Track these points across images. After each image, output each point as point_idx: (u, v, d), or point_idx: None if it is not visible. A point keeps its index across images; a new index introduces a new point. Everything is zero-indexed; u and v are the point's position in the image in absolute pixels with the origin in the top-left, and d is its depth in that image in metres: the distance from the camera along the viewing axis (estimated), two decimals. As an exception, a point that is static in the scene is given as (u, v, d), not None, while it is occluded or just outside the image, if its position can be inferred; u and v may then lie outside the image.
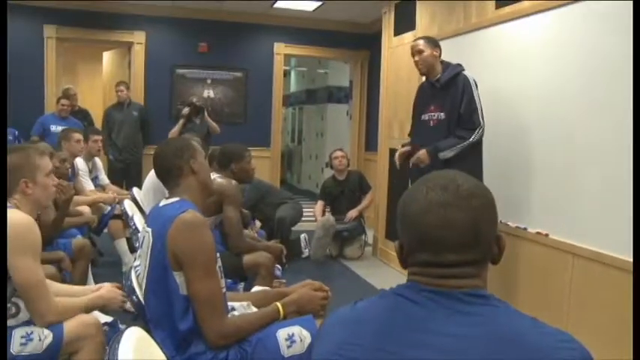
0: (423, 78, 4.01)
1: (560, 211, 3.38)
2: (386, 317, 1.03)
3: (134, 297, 2.01)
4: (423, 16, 5.11)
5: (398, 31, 5.64)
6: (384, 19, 5.90)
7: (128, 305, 2.22)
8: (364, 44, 7.99)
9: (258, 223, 5.18)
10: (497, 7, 4.01)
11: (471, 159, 3.59)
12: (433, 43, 3.77)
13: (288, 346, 1.89)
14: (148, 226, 1.99)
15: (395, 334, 1.00)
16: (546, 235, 3.47)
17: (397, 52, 5.65)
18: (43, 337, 1.95)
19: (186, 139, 2.16)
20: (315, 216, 5.79)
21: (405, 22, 5.46)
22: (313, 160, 10.72)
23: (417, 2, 5.16)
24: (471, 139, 3.55)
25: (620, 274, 2.91)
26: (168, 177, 2.06)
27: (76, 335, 1.97)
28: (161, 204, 2.02)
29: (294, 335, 1.91)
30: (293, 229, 5.69)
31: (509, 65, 3.85)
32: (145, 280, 1.94)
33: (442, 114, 3.70)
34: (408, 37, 5.40)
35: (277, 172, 8.22)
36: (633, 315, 2.13)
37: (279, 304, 2.04)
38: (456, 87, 3.62)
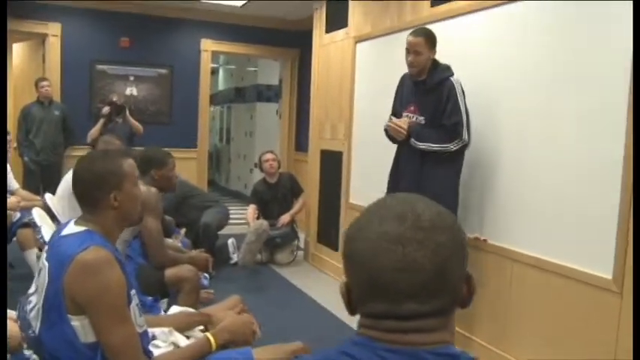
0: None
1: (498, 217, 3.29)
2: None
3: (30, 332, 1.71)
4: (355, 13, 4.95)
5: (330, 29, 5.45)
6: (316, 16, 5.71)
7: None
8: (294, 42, 7.78)
9: (182, 231, 4.87)
10: (433, 5, 3.90)
11: (447, 167, 3.27)
12: (432, 43, 3.30)
13: (218, 386, 1.66)
14: (45, 258, 1.69)
15: None
16: (484, 240, 3.37)
17: (329, 50, 5.47)
18: None
19: (116, 159, 1.76)
20: (247, 221, 5.53)
21: (337, 20, 5.29)
22: (242, 160, 10.44)
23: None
24: (450, 146, 3.20)
25: (560, 280, 2.84)
26: (83, 203, 1.74)
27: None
28: (64, 232, 1.70)
29: (229, 372, 1.68)
30: (220, 233, 5.42)
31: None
32: (39, 321, 1.66)
33: (422, 118, 3.34)
34: (340, 34, 5.24)
35: (204, 173, 7.90)
36: (633, 316, 2.03)
37: (209, 335, 1.79)
38: (441, 93, 3.24)
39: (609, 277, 2.60)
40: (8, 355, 2.17)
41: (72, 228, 1.70)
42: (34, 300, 1.72)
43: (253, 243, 5.08)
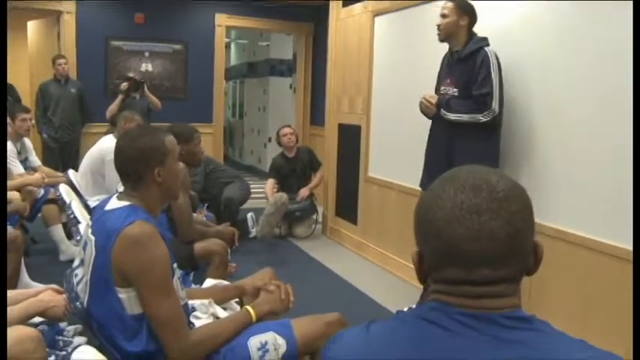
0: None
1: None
2: (415, 352, 0.84)
3: (78, 303, 1.77)
4: (373, -14, 4.92)
5: (347, 2, 5.42)
6: (332, -11, 5.67)
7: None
8: (309, 16, 7.73)
9: (204, 206, 4.93)
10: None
11: (480, 143, 3.20)
12: (463, 9, 3.25)
13: (261, 356, 1.71)
14: (91, 232, 1.73)
15: None
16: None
17: (346, 24, 5.44)
18: (-28, 354, 1.67)
19: (159, 136, 1.80)
20: (266, 194, 5.58)
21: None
22: (255, 134, 10.45)
23: (368, -28, 4.96)
24: (479, 117, 3.14)
25: (586, 253, 2.87)
26: (126, 179, 1.78)
27: (10, 352, 1.70)
28: (107, 206, 1.74)
29: (267, 344, 1.72)
30: (240, 208, 5.48)
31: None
32: (87, 293, 1.71)
33: (455, 90, 3.30)
34: (357, 8, 5.21)
35: (220, 148, 7.95)
36: (633, 311, 2.05)
37: (249, 308, 1.84)
38: (474, 63, 3.19)
39: (629, 247, 2.63)
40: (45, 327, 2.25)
41: (115, 203, 1.75)
42: (80, 273, 1.78)
43: (272, 215, 5.13)
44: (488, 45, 3.23)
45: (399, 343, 0.87)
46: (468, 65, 3.22)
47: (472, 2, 3.32)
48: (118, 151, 1.78)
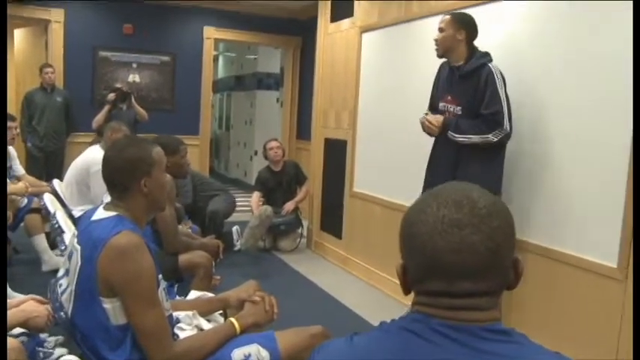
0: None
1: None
2: None
3: (62, 313, 1.76)
4: (361, 2, 4.97)
5: (335, 18, 5.48)
6: (321, 4, 5.72)
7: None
8: (297, 30, 7.80)
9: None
10: (441, -4, 3.93)
11: (485, 160, 3.08)
12: (460, 22, 3.13)
13: (244, 368, 1.72)
14: (77, 242, 1.74)
15: None
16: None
17: (334, 39, 5.50)
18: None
19: (146, 147, 1.82)
20: (251, 208, 5.59)
21: (342, 9, 5.31)
22: (242, 147, 10.47)
23: (356, -12, 5.03)
24: (490, 137, 3.00)
25: (569, 270, 2.92)
26: (113, 189, 1.79)
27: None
28: (94, 216, 1.75)
29: (251, 356, 1.73)
30: (225, 221, 5.47)
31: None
32: (71, 303, 1.71)
33: (459, 108, 3.16)
34: (345, 23, 5.26)
35: (206, 160, 7.94)
36: (633, 316, 2.09)
37: (233, 320, 1.85)
38: (478, 80, 3.05)
39: (614, 265, 2.67)
40: (25, 339, 2.23)
41: (102, 213, 1.75)
42: (65, 283, 1.78)
43: (256, 227, 5.14)
44: (491, 60, 3.12)
45: (381, 353, 0.89)
46: (472, 82, 3.09)
47: (471, 15, 3.23)
48: (106, 161, 1.79)
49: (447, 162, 3.19)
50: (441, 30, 3.16)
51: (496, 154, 3.11)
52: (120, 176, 1.76)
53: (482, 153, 3.07)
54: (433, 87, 3.43)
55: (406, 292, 0.96)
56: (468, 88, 3.11)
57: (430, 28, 3.92)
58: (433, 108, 3.35)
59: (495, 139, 3.01)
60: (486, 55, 3.14)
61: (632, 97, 2.56)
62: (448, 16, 3.18)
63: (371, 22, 4.82)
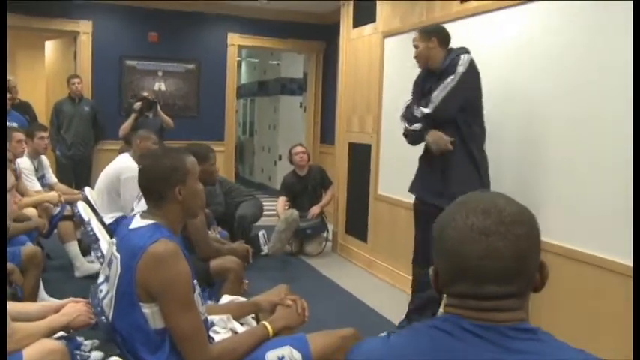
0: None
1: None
2: (428, 357, 0.94)
3: (103, 318, 1.84)
4: (384, 7, 5.02)
5: (357, 23, 5.53)
6: (343, 10, 5.78)
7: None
8: (320, 35, 7.86)
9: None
10: (463, 0, 3.95)
11: (466, 164, 3.26)
12: (428, 34, 3.37)
13: (278, 370, 1.77)
14: (116, 249, 1.82)
15: None
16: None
17: (356, 45, 5.55)
18: (0, 367, 1.74)
19: (180, 156, 1.90)
20: (277, 212, 5.66)
21: (365, 14, 5.36)
22: (266, 152, 10.55)
23: (378, -6, 5.07)
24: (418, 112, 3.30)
25: (593, 271, 2.93)
26: (149, 198, 1.88)
27: (39, 364, 1.78)
28: (132, 225, 1.83)
29: (284, 357, 1.79)
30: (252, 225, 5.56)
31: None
32: (112, 308, 1.79)
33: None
34: (368, 29, 5.31)
35: (231, 166, 8.04)
36: (633, 316, 2.10)
37: (266, 323, 1.91)
38: (449, 73, 3.24)
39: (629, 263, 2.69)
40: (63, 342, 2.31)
41: (139, 221, 1.83)
42: (105, 289, 1.85)
43: (283, 232, 5.21)
44: (466, 52, 3.29)
45: (415, 351, 0.96)
46: (445, 78, 3.25)
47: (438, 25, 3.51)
48: (142, 171, 1.87)
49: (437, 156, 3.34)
50: (415, 47, 3.40)
51: (471, 149, 3.27)
52: (156, 185, 1.84)
53: (461, 148, 3.24)
54: (412, 92, 3.56)
55: (439, 293, 1.02)
56: (445, 77, 3.25)
57: (452, 32, 3.96)
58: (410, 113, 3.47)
59: (418, 115, 3.31)
60: (461, 49, 3.32)
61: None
62: (417, 33, 3.45)
63: (393, 27, 4.86)
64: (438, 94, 3.22)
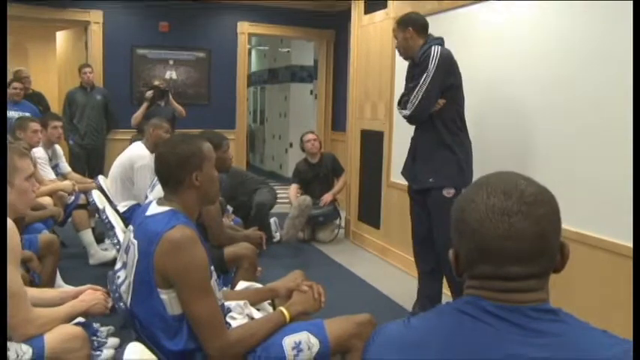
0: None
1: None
2: (450, 340, 0.93)
3: (122, 304, 1.85)
4: (395, -7, 4.98)
5: (369, 9, 5.49)
6: (354, -4, 5.75)
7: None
8: (330, 23, 7.83)
9: (229, 209, 5.02)
10: (475, -14, 3.92)
11: (442, 156, 3.36)
12: (403, 24, 3.34)
13: (295, 355, 1.78)
14: (133, 236, 1.83)
15: None
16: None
17: (368, 31, 5.52)
18: (22, 353, 1.75)
19: (196, 142, 1.90)
20: (290, 199, 5.67)
21: (376, 1, 5.32)
22: (277, 140, 10.56)
23: (389, -21, 5.03)
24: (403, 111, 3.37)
25: (605, 256, 2.91)
26: (166, 184, 1.88)
27: (59, 349, 1.79)
28: (148, 212, 1.84)
29: (301, 343, 1.79)
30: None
31: (484, 47, 3.77)
32: (130, 294, 1.80)
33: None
34: (379, 15, 5.27)
35: (243, 153, 8.06)
36: (633, 307, 2.09)
37: (283, 309, 1.92)
38: (426, 65, 3.22)
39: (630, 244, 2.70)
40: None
41: (155, 208, 1.84)
42: (123, 275, 1.87)
43: (297, 218, 5.23)
44: (439, 44, 3.28)
45: (436, 333, 0.96)
46: (421, 68, 3.26)
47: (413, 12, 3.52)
48: (159, 157, 1.88)
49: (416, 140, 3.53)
50: (395, 38, 3.39)
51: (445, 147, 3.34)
52: (173, 171, 1.84)
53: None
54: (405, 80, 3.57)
55: (459, 275, 1.01)
56: (418, 74, 3.26)
57: (464, 19, 3.94)
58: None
59: (401, 115, 3.42)
60: (435, 40, 3.32)
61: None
62: (394, 24, 3.41)
63: (405, 12, 4.81)
64: (415, 95, 3.24)
